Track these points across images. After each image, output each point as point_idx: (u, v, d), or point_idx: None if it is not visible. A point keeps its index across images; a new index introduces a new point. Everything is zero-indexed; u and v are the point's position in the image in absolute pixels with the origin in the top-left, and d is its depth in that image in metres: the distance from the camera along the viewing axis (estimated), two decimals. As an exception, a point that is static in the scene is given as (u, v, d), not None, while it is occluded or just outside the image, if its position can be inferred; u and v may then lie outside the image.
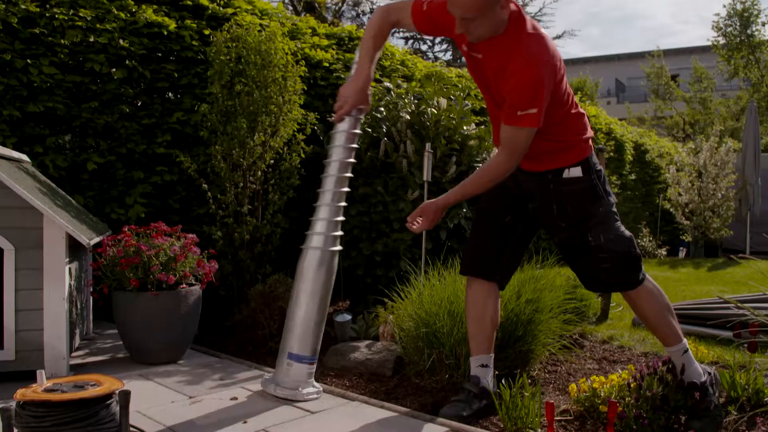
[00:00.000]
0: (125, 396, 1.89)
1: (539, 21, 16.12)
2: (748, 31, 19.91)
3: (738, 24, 20.01)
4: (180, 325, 3.20)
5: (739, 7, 20.02)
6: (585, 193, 2.55)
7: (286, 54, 4.16)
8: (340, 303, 4.86)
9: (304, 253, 2.81)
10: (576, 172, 2.54)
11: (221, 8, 4.71)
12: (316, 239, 2.80)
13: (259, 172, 4.07)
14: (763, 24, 20.03)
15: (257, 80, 3.97)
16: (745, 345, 3.50)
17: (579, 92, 14.36)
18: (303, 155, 4.28)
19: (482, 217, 2.78)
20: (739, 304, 2.98)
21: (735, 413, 2.68)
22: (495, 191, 2.65)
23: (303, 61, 4.45)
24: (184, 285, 3.21)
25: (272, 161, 4.16)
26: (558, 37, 16.33)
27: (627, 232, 2.58)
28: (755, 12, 19.87)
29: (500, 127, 2.45)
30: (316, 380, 2.87)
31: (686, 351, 2.64)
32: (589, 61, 36.08)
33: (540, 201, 2.62)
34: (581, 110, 2.60)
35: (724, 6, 19.87)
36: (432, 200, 2.61)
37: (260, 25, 4.40)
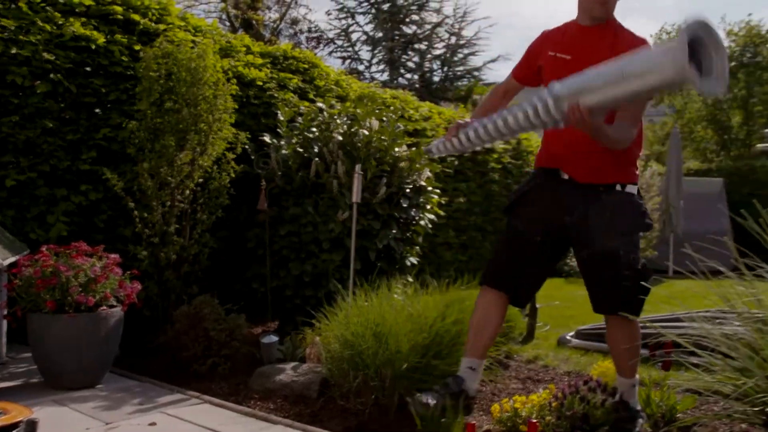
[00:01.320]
0: (32, 425, 1.82)
1: (474, 45, 16.47)
2: (673, 61, 20.81)
3: (664, 54, 20.90)
4: (98, 348, 3.11)
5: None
6: (638, 209, 2.72)
7: (217, 72, 4.13)
8: (269, 324, 4.81)
9: None
10: (632, 189, 2.73)
11: (153, 23, 4.64)
12: None
13: (188, 191, 4.01)
14: (686, 54, 20.96)
15: (187, 98, 3.92)
16: (660, 364, 3.62)
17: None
18: (233, 174, 4.25)
19: (514, 235, 2.89)
20: (649, 324, 3.09)
21: (650, 430, 2.78)
22: (528, 209, 2.79)
23: (234, 80, 4.42)
24: (105, 307, 3.12)
25: (201, 180, 4.11)
26: (493, 60, 16.79)
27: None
28: (679, 42, 20.80)
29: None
30: (240, 403, 2.83)
31: (635, 385, 2.80)
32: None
33: (583, 212, 2.69)
34: None
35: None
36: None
37: (193, 41, 4.35)
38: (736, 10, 58.24)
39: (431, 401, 2.61)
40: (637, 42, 2.64)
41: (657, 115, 24.42)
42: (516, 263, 2.84)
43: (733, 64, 18.52)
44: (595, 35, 2.70)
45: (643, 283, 2.67)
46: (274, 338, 3.73)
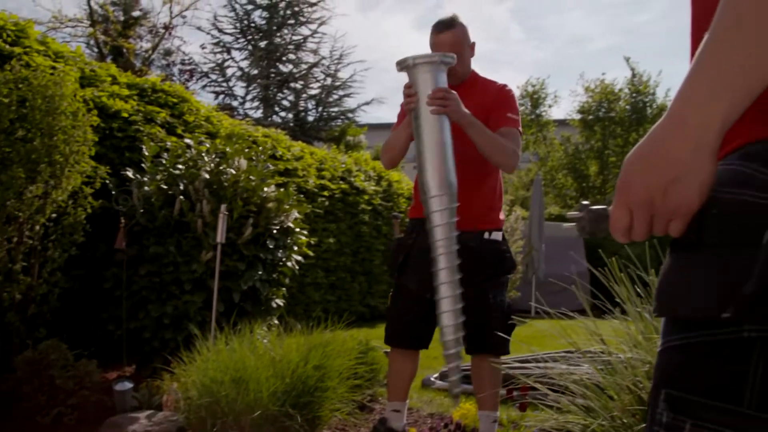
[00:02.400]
0: None
1: (349, 87, 16.75)
2: (537, 111, 22.12)
3: (529, 104, 22.19)
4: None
5: (530, 89, 22.23)
6: (502, 255, 2.91)
7: (77, 101, 3.93)
8: (124, 369, 4.55)
9: None
10: (497, 236, 2.93)
11: (8, 46, 4.37)
12: None
13: (38, 227, 3.76)
14: (549, 106, 22.38)
15: (41, 127, 3.70)
16: (517, 404, 3.75)
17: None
18: (90, 210, 4.03)
19: (404, 294, 3.01)
20: (506, 366, 3.21)
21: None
22: (415, 268, 2.89)
23: (96, 111, 4.23)
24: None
25: (54, 215, 3.86)
26: (367, 103, 17.05)
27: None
28: (543, 95, 22.18)
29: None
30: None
31: (496, 421, 2.95)
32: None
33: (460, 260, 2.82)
34: None
35: (518, 87, 22.02)
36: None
37: (53, 68, 4.13)
38: (593, 68, 63.03)
39: None
40: (500, 88, 2.92)
41: (522, 162, 25.75)
42: (413, 321, 2.97)
43: (590, 117, 19.95)
44: (464, 91, 2.84)
45: (510, 322, 2.89)
46: (129, 385, 3.53)
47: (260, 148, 5.36)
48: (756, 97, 0.77)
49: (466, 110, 2.64)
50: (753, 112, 0.80)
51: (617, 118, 19.76)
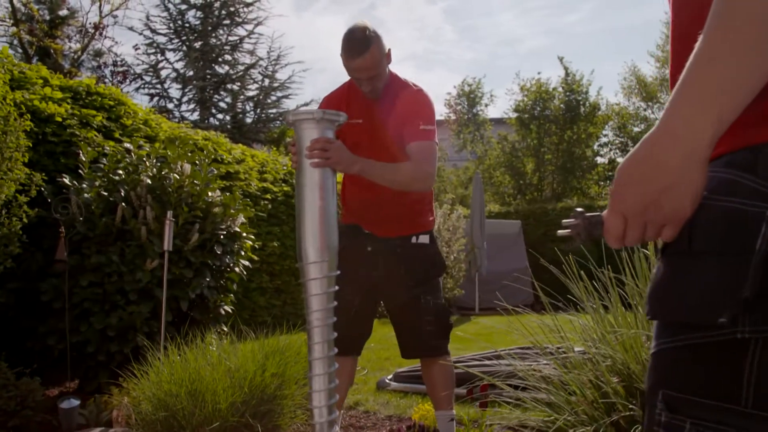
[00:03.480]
0: None
1: (288, 88, 16.57)
2: (474, 110, 22.39)
3: (466, 103, 22.44)
4: None
5: (466, 88, 22.48)
6: (430, 259, 2.85)
7: (8, 105, 3.74)
8: (67, 384, 4.35)
9: None
10: (424, 239, 2.84)
11: None
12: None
13: (-30, 239, 3.56)
14: (486, 105, 22.69)
15: (-29, 134, 3.50)
16: (477, 403, 3.75)
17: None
18: (25, 220, 3.83)
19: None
20: (463, 365, 3.21)
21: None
22: (343, 272, 2.63)
23: (29, 115, 4.03)
24: None
25: (-13, 226, 3.66)
26: (306, 104, 16.84)
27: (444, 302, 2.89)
28: (479, 94, 22.47)
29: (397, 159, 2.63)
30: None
31: (453, 419, 2.91)
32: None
33: (386, 266, 2.80)
34: None
35: (455, 86, 22.26)
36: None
37: (-21, 71, 3.92)
38: (525, 68, 64.28)
39: None
40: (414, 93, 2.75)
41: (460, 161, 26.06)
42: (340, 328, 2.80)
43: (525, 116, 20.29)
44: (381, 97, 2.77)
45: (446, 323, 2.87)
46: (75, 402, 3.36)
47: (204, 152, 5.22)
48: (744, 108, 0.80)
49: (353, 157, 2.42)
50: (736, 122, 0.82)
51: (552, 116, 20.16)
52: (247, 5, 16.37)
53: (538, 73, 32.40)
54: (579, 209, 1.04)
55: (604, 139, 23.08)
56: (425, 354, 2.85)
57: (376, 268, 2.82)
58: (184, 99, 15.78)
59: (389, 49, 2.68)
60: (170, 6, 15.91)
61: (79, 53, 15.00)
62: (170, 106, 15.66)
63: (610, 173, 23.15)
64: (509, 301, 2.85)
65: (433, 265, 2.87)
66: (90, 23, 15.23)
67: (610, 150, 23.45)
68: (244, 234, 4.70)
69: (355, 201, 2.91)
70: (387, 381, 4.59)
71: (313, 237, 2.26)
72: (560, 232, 1.07)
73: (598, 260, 2.81)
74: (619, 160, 23.28)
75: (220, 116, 16.16)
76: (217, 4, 16.09)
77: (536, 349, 2.83)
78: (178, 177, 4.26)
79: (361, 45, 2.55)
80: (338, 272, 2.35)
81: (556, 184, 20.58)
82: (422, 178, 2.61)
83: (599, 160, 22.82)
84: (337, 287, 2.34)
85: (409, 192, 2.75)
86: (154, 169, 4.33)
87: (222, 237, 4.40)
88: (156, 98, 15.71)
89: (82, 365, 4.06)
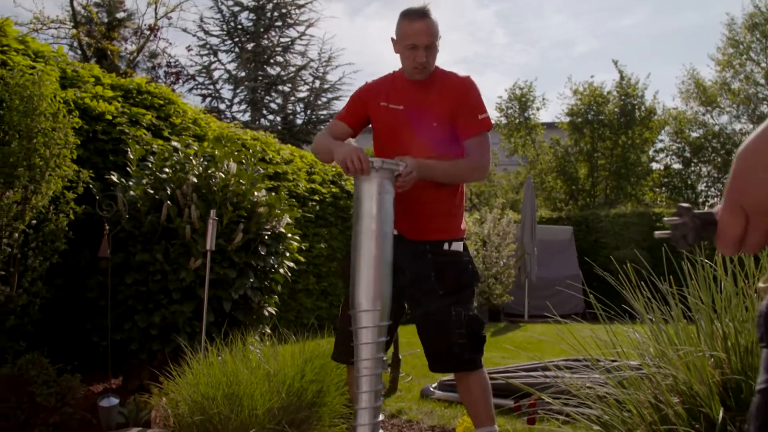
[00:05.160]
0: None
1: (338, 90, 16.60)
2: (526, 114, 22.05)
3: (517, 107, 22.11)
4: None
5: (518, 92, 22.15)
6: (463, 267, 2.69)
7: (58, 102, 3.75)
8: (110, 381, 4.36)
9: None
10: (458, 246, 2.71)
11: (-16, 45, 4.18)
12: None
13: (17, 234, 3.56)
14: (538, 109, 22.31)
15: (19, 129, 3.51)
16: (526, 418, 3.59)
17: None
18: (72, 216, 3.84)
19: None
20: (507, 376, 3.06)
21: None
22: None
23: (77, 112, 4.04)
24: None
25: (34, 222, 3.67)
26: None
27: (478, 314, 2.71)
28: (531, 98, 22.11)
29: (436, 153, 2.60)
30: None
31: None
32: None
33: (414, 272, 2.66)
34: None
35: (506, 90, 21.94)
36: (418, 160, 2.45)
37: (32, 67, 3.95)
38: (578, 71, 63.27)
39: None
40: (462, 80, 2.70)
41: (511, 165, 25.74)
42: None
43: (579, 120, 19.90)
44: (424, 85, 2.72)
45: (478, 336, 2.68)
46: (114, 401, 3.34)
47: (250, 151, 5.18)
48: None
49: (423, 162, 2.44)
50: None
51: (606, 120, 19.73)
52: (299, 7, 16.46)
53: (591, 76, 31.73)
54: (685, 205, 0.84)
55: (660, 145, 22.51)
56: (457, 369, 2.67)
57: (403, 272, 2.66)
58: (236, 100, 15.96)
59: (440, 37, 2.66)
60: (223, 8, 16.12)
61: (135, 54, 15.31)
62: (222, 106, 15.84)
63: (665, 179, 22.56)
64: (560, 308, 2.72)
65: (465, 274, 2.70)
66: (146, 25, 15.53)
67: (666, 156, 22.85)
68: (290, 235, 4.63)
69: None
70: (431, 389, 4.46)
71: (367, 286, 2.27)
72: (658, 233, 0.87)
73: (653, 268, 2.64)
74: (676, 166, 22.78)
75: (270, 117, 16.28)
76: (269, 6, 16.23)
77: (587, 361, 2.66)
78: (223, 176, 4.22)
79: (422, 11, 2.59)
80: (390, 322, 2.30)
81: (610, 190, 20.13)
82: (480, 171, 2.65)
83: (654, 165, 22.25)
84: (387, 337, 2.32)
85: (442, 193, 2.68)
86: (201, 168, 4.30)
87: (266, 237, 4.34)
88: (208, 99, 15.94)
89: (125, 363, 4.06)
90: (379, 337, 2.26)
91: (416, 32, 2.57)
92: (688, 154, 22.52)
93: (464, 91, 2.66)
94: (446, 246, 2.69)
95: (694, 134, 22.43)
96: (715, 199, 22.43)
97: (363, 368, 2.25)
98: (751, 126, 21.58)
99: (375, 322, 2.25)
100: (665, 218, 0.87)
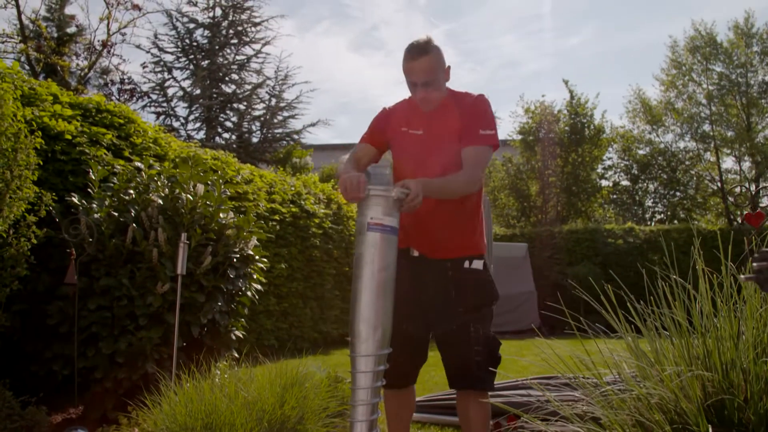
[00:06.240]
0: None
1: (294, 108, 16.51)
2: (477, 132, 22.23)
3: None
4: None
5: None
6: (484, 285, 2.70)
7: (19, 121, 3.63)
8: (69, 410, 4.20)
9: None
10: (478, 264, 2.71)
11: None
12: None
13: (-24, 260, 3.43)
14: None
15: (-21, 151, 3.39)
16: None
17: (332, 179, 14.84)
18: (34, 240, 3.70)
19: None
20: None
21: None
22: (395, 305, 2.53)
23: (39, 132, 3.92)
24: None
25: (-7, 246, 3.54)
26: (313, 124, 16.78)
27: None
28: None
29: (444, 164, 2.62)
30: None
31: None
32: (338, 148, 37.77)
33: (435, 289, 2.67)
34: None
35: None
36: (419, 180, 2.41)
37: (-12, 87, 3.81)
38: (528, 90, 64.51)
39: None
40: (474, 99, 2.73)
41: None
42: (394, 358, 2.67)
43: (530, 138, 20.23)
44: (440, 109, 2.73)
45: (495, 356, 2.69)
46: (81, 432, 3.22)
47: (218, 172, 5.11)
48: None
49: (419, 186, 2.37)
50: None
51: (557, 138, 20.11)
52: (255, 25, 16.37)
53: (543, 95, 32.38)
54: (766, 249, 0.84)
55: (608, 162, 23.02)
56: (473, 385, 2.66)
57: (426, 291, 2.70)
58: (191, 117, 15.71)
59: (449, 66, 2.69)
60: (178, 25, 15.92)
61: (86, 70, 14.95)
62: (176, 124, 15.59)
63: (614, 196, 23.09)
64: (517, 324, 2.74)
65: (485, 292, 2.71)
66: (98, 41, 15.20)
67: (615, 173, 23.39)
68: (257, 257, 4.57)
69: (404, 218, 2.77)
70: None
71: (368, 314, 2.23)
72: (743, 277, 0.88)
73: (630, 288, 2.67)
74: (624, 182, 23.34)
75: (226, 135, 16.08)
76: (224, 24, 16.10)
77: (564, 378, 2.67)
78: (191, 198, 4.13)
79: (422, 48, 2.60)
80: (390, 350, 2.31)
81: (561, 207, 20.47)
82: (470, 183, 2.62)
83: (604, 182, 22.75)
84: (386, 365, 2.31)
85: (464, 202, 2.70)
86: (166, 189, 4.21)
87: (235, 260, 4.27)
88: (162, 116, 15.65)
89: (87, 392, 3.91)
90: (377, 366, 2.24)
91: (413, 71, 2.60)
92: (635, 172, 23.10)
93: (473, 106, 2.70)
94: (467, 264, 2.69)
95: (641, 152, 23.03)
96: (662, 215, 23.09)
97: (359, 398, 2.22)
98: (694, 144, 22.32)
99: (373, 351, 2.23)
100: (754, 263, 0.88)
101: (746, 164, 21.63)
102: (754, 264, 0.87)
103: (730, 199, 21.11)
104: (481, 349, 2.64)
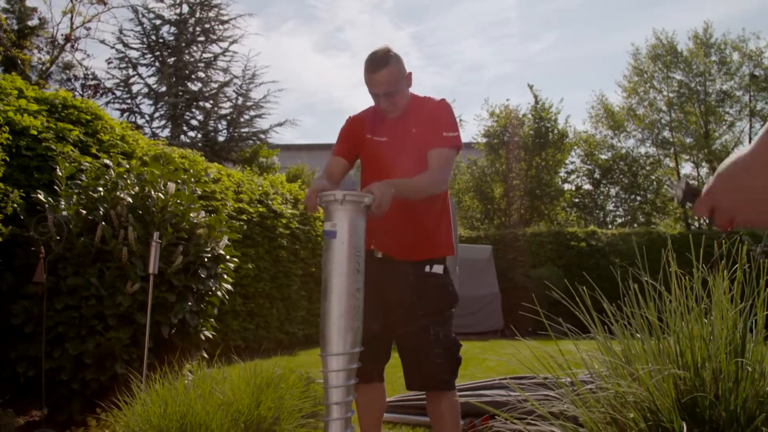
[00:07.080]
0: None
1: (261, 107, 16.37)
2: (442, 135, 22.35)
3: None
4: None
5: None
6: (443, 289, 2.73)
7: (-16, 118, 3.55)
8: (34, 413, 4.10)
9: None
10: (438, 269, 2.74)
11: None
12: None
13: (-61, 257, 3.34)
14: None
15: (-56, 146, 3.30)
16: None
17: (299, 179, 14.69)
18: (0, 239, 3.62)
19: None
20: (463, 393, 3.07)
21: None
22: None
23: (6, 127, 3.83)
24: None
25: (-43, 244, 3.44)
26: (280, 124, 16.65)
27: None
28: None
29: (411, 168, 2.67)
30: None
31: None
32: (303, 149, 37.60)
33: (396, 292, 2.70)
34: None
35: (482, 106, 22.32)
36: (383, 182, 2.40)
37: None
38: (491, 94, 65.00)
39: None
40: (436, 104, 2.78)
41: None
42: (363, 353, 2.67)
43: (495, 141, 20.41)
44: (403, 116, 2.79)
45: (455, 357, 2.73)
46: (48, 434, 3.15)
47: (191, 171, 5.05)
48: None
49: (387, 187, 2.39)
50: None
51: (521, 142, 20.32)
52: (222, 23, 16.19)
53: (507, 99, 32.68)
54: (686, 179, 1.17)
55: (571, 166, 23.36)
56: (432, 387, 2.72)
57: (387, 293, 2.73)
58: (156, 115, 15.46)
59: (410, 73, 2.75)
60: (144, 20, 15.66)
61: (48, 65, 14.63)
62: (141, 121, 15.32)
63: (576, 199, 23.43)
64: (481, 326, 2.77)
65: (445, 296, 2.75)
66: (61, 35, 14.89)
67: (578, 177, 23.74)
68: (228, 257, 4.53)
69: (371, 224, 2.79)
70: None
71: (338, 329, 2.21)
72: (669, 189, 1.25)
73: (564, 289, 2.69)
74: (586, 186, 23.69)
75: (191, 134, 15.87)
76: (191, 21, 15.89)
77: (537, 379, 2.70)
78: (162, 196, 4.08)
79: (381, 61, 2.64)
80: (362, 348, 2.30)
81: (524, 210, 20.69)
82: (436, 184, 2.67)
83: (566, 186, 23.06)
84: (356, 380, 2.30)
85: (428, 207, 2.74)
86: (136, 188, 4.15)
87: (206, 260, 4.22)
88: (127, 113, 15.36)
89: (53, 393, 3.83)
90: (348, 380, 2.23)
91: (374, 83, 2.65)
92: (597, 176, 23.47)
93: (435, 110, 2.75)
94: (427, 268, 2.72)
95: (603, 156, 23.42)
96: (622, 219, 23.49)
97: (334, 412, 2.22)
98: (654, 149, 22.79)
99: (345, 365, 2.22)
100: (675, 181, 1.09)
101: (704, 170, 22.18)
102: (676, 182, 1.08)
103: (671, 191, 21.57)
104: (441, 352, 2.68)
